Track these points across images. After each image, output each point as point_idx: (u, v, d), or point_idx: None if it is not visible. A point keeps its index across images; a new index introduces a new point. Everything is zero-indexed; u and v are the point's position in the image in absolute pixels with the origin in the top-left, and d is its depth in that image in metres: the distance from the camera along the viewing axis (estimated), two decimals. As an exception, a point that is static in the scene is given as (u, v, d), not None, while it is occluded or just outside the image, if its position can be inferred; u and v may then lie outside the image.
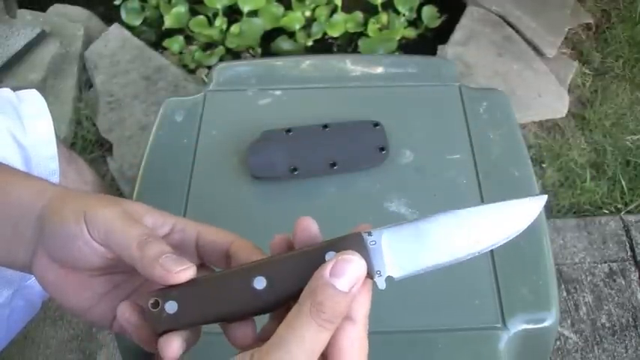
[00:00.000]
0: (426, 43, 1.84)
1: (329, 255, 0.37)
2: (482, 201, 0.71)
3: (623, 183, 1.55)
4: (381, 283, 0.38)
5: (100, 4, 1.94)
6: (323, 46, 1.83)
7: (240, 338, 0.39)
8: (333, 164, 0.75)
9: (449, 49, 1.77)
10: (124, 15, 1.88)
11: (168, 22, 1.83)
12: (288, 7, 1.85)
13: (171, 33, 1.84)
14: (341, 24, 1.83)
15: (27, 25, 1.80)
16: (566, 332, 1.31)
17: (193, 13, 1.86)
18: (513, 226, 0.40)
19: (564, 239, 1.45)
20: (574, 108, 1.72)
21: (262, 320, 0.40)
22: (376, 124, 0.79)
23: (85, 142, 1.62)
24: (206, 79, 1.04)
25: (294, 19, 1.82)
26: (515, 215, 0.40)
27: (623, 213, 1.51)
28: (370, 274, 0.38)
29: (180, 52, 1.82)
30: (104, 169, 1.57)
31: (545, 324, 0.64)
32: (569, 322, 1.32)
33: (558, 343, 1.29)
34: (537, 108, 1.69)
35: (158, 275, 0.38)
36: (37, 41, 1.76)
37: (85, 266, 0.41)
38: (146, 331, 0.39)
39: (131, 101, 1.68)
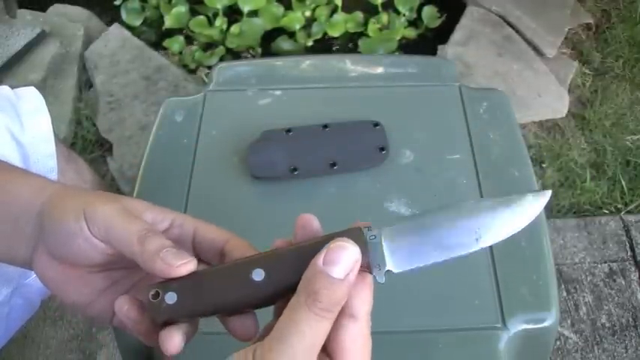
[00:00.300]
0: (426, 43, 1.84)
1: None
2: (482, 201, 0.71)
3: (623, 183, 1.55)
4: (381, 277, 0.38)
5: (100, 4, 1.94)
6: (323, 46, 1.83)
7: (240, 330, 0.40)
8: (333, 164, 0.75)
9: (449, 49, 1.77)
10: (124, 15, 1.88)
11: (169, 22, 1.83)
12: (288, 7, 1.85)
13: (171, 33, 1.84)
14: (341, 24, 1.83)
15: (27, 25, 1.80)
16: (566, 332, 1.31)
17: (193, 13, 1.86)
18: (516, 222, 0.39)
19: (564, 239, 1.45)
20: (574, 108, 1.72)
21: (265, 317, 0.41)
22: (376, 124, 0.79)
23: (85, 142, 1.62)
24: (206, 79, 1.04)
25: (295, 19, 1.82)
26: (519, 211, 0.39)
27: (623, 213, 1.51)
28: (369, 269, 0.38)
29: (181, 52, 1.82)
30: (104, 169, 1.57)
31: (545, 324, 0.64)
32: (569, 322, 1.32)
33: (558, 343, 1.29)
34: (537, 108, 1.69)
35: (159, 269, 0.38)
36: (37, 41, 1.76)
37: (85, 263, 0.42)
38: (145, 324, 0.40)
39: (131, 101, 1.68)
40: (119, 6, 1.89)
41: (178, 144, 0.79)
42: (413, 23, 1.87)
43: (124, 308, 0.40)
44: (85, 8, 1.91)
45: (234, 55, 1.81)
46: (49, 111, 0.72)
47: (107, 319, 0.44)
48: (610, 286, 1.38)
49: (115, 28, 1.85)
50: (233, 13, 1.85)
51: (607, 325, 1.32)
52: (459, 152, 0.77)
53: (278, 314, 0.38)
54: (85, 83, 1.76)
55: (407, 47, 1.82)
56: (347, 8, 1.85)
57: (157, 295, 0.38)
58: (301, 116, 0.80)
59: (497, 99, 0.85)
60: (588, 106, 1.73)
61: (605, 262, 1.42)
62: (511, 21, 1.86)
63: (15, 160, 0.66)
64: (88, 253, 0.41)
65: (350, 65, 0.90)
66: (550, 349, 0.70)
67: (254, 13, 1.82)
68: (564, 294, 1.36)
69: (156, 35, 1.89)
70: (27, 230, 0.43)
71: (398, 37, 1.81)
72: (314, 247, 0.38)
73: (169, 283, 0.38)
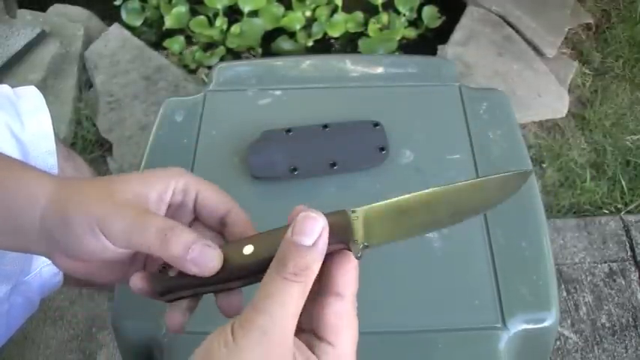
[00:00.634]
0: (426, 43, 1.84)
1: None
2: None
3: (623, 183, 1.55)
4: (357, 251, 0.39)
5: (100, 4, 1.94)
6: (323, 46, 1.83)
7: (226, 306, 0.42)
8: (333, 164, 0.75)
9: (449, 49, 1.77)
10: (124, 15, 1.88)
11: (169, 23, 1.83)
12: (288, 7, 1.85)
13: (171, 33, 1.84)
14: (341, 24, 1.83)
15: (27, 25, 1.80)
16: (566, 332, 1.31)
17: (194, 13, 1.86)
18: (491, 199, 0.42)
19: (564, 239, 1.45)
20: (574, 108, 1.72)
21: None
22: (376, 124, 0.79)
23: (85, 142, 1.62)
24: (206, 79, 1.04)
25: (295, 20, 1.82)
26: (495, 189, 0.42)
27: (623, 213, 1.51)
28: (349, 246, 0.39)
29: (181, 53, 1.82)
30: (104, 169, 1.57)
31: (545, 324, 0.64)
32: (569, 322, 1.32)
33: (558, 343, 1.29)
34: (537, 108, 1.69)
35: (189, 269, 0.40)
36: (37, 41, 1.76)
37: (105, 259, 0.43)
38: (154, 296, 0.43)
39: (131, 101, 1.68)
40: (119, 6, 1.89)
41: (178, 144, 0.79)
42: (413, 23, 1.88)
43: (138, 285, 0.42)
44: (85, 8, 1.91)
45: (234, 55, 1.81)
46: (49, 111, 0.72)
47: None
48: (610, 286, 1.38)
49: (115, 28, 1.85)
50: (233, 13, 1.85)
51: (607, 325, 1.32)
52: (458, 152, 0.77)
53: None
54: (85, 83, 1.76)
55: (407, 47, 1.82)
56: (347, 8, 1.85)
57: (163, 269, 0.42)
58: (301, 116, 0.80)
59: (497, 99, 0.85)
60: (588, 106, 1.73)
61: (605, 262, 1.42)
62: (511, 21, 1.87)
63: (14, 156, 0.66)
64: (107, 255, 0.42)
65: (350, 65, 0.90)
66: (550, 349, 0.70)
67: (254, 13, 1.82)
68: (564, 294, 1.36)
69: (156, 35, 1.89)
70: (34, 225, 0.43)
71: (398, 37, 1.81)
72: None
73: None
